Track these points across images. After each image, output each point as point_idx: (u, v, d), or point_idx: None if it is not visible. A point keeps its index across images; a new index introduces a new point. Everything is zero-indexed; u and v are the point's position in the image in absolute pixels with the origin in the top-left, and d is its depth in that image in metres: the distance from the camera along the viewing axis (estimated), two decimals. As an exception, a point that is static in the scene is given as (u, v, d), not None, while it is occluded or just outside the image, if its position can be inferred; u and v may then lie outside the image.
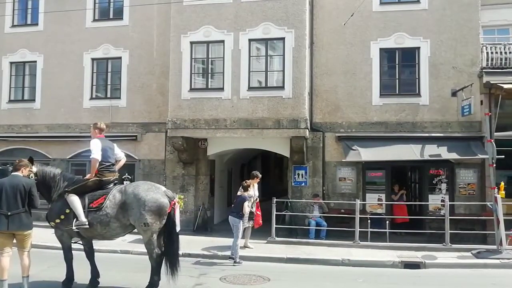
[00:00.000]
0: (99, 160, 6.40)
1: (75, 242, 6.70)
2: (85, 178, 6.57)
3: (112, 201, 6.28)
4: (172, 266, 6.36)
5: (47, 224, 6.61)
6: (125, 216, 6.24)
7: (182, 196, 7.76)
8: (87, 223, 6.16)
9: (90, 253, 6.73)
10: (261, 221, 10.27)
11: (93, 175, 6.43)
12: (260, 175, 10.26)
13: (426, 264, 8.90)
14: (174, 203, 6.43)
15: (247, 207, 9.00)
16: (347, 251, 9.90)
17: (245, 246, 9.98)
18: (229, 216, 9.18)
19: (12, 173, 6.16)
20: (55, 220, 6.35)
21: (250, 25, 12.06)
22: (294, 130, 11.64)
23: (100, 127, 6.80)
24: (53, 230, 6.61)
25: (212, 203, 14.03)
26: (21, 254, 6.10)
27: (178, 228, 6.51)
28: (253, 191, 9.87)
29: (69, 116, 14.07)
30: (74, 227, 6.20)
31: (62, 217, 6.28)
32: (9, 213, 5.85)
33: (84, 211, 6.20)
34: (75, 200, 6.21)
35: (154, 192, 6.33)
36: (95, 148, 6.40)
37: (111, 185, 6.59)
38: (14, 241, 6.10)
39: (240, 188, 9.51)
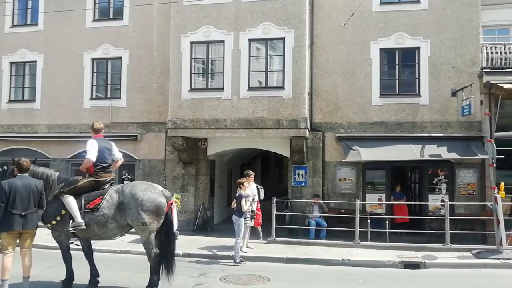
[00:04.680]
0: (93, 161, 6.37)
1: (72, 243, 6.69)
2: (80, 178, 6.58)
3: (109, 201, 6.27)
4: (168, 267, 6.36)
5: (46, 224, 6.60)
6: (122, 216, 6.24)
7: (179, 196, 7.81)
8: (83, 224, 6.15)
9: (89, 253, 6.73)
10: (260, 221, 10.28)
11: (83, 169, 6.51)
12: (253, 173, 10.19)
13: (426, 264, 8.90)
14: (171, 203, 6.42)
15: (244, 204, 9.03)
16: (347, 251, 9.90)
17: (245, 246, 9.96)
18: (233, 216, 9.21)
19: (19, 174, 6.20)
20: (51, 221, 6.34)
21: (250, 25, 12.05)
22: (294, 130, 11.63)
23: (95, 128, 6.77)
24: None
25: (212, 203, 14.02)
26: (23, 254, 6.12)
27: (175, 228, 6.51)
28: (251, 190, 9.87)
29: (69, 116, 14.06)
30: (70, 228, 6.19)
31: (58, 218, 6.27)
32: (23, 213, 5.94)
33: (80, 212, 6.19)
34: (71, 201, 6.19)
35: (152, 192, 6.33)
36: (91, 149, 6.39)
37: (107, 185, 6.58)
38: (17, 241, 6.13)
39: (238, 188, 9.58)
